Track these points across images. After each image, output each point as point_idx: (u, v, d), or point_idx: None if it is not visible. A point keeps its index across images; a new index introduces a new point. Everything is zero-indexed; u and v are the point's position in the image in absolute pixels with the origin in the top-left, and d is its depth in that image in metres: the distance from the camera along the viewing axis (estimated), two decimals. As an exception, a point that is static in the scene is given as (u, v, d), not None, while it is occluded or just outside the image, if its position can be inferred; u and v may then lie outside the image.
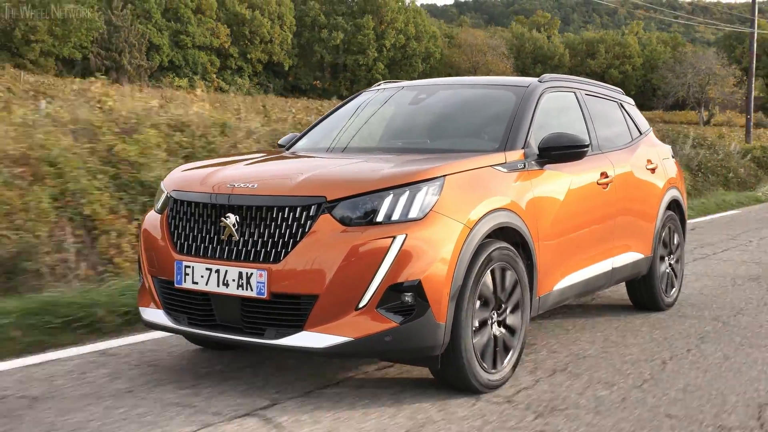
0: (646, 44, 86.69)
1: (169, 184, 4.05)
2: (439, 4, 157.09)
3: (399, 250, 3.38)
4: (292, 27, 70.36)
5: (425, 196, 3.52)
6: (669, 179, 5.97)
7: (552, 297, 4.39)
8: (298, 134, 5.26)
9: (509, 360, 3.91)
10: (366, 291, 3.37)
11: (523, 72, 75.33)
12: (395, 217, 3.46)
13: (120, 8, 53.47)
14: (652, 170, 5.73)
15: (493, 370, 3.78)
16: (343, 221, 3.45)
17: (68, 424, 3.27)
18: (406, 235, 3.41)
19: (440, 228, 3.50)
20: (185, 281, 3.69)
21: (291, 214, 3.49)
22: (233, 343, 3.77)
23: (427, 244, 3.44)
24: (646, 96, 76.65)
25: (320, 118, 5.37)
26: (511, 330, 3.93)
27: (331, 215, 3.46)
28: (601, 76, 75.83)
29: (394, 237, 3.39)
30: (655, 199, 5.69)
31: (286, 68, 70.67)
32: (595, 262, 4.83)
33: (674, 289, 6.03)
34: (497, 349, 3.82)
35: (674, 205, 6.04)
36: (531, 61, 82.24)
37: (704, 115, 66.50)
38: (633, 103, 6.21)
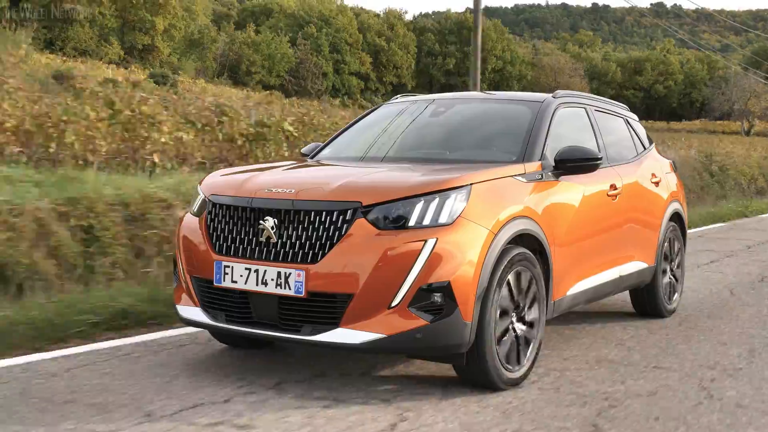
0: (684, 62, 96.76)
1: (207, 188, 4.27)
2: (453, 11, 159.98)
3: (430, 253, 3.61)
4: (414, 54, 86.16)
5: (454, 203, 3.76)
6: (671, 192, 6.24)
7: (565, 302, 4.62)
8: (321, 144, 5.48)
9: (528, 358, 4.14)
10: (398, 291, 3.59)
11: (579, 87, 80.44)
12: (426, 222, 3.69)
13: (302, 45, 71.30)
14: (657, 183, 6.00)
15: (514, 368, 4.01)
16: (377, 225, 3.68)
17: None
18: (437, 239, 3.64)
19: (467, 233, 3.74)
20: (224, 280, 3.90)
21: (328, 218, 3.72)
22: (269, 339, 3.99)
23: (456, 247, 3.68)
24: (685, 108, 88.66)
25: (342, 128, 5.61)
26: (529, 330, 4.16)
27: (366, 219, 3.69)
28: (647, 90, 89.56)
29: (426, 241, 3.63)
30: (659, 210, 5.95)
31: (409, 88, 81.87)
32: (604, 269, 5.07)
33: (675, 297, 6.29)
34: (519, 347, 4.05)
35: (676, 217, 6.31)
36: (588, 79, 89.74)
37: (746, 125, 76.31)
38: (637, 119, 6.49)
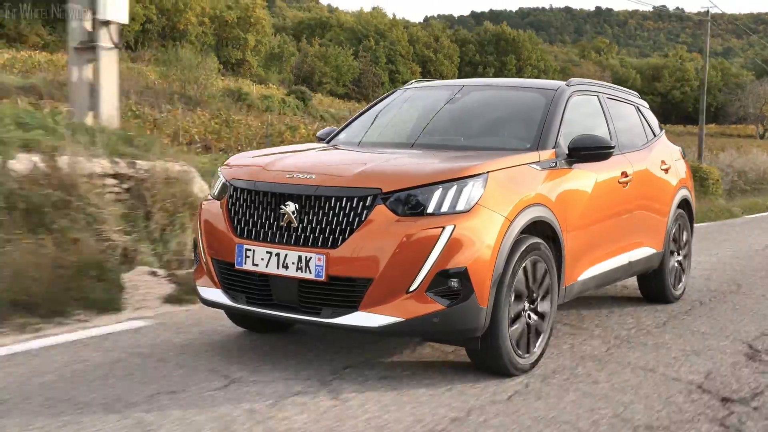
0: (699, 69, 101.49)
1: (228, 172, 4.35)
2: (455, 15, 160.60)
3: (448, 240, 3.69)
4: (457, 64, 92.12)
5: (471, 191, 3.84)
6: (680, 179, 6.32)
7: (576, 287, 4.72)
8: (336, 128, 5.55)
9: (539, 345, 4.24)
10: (417, 276, 3.68)
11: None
12: (444, 209, 3.78)
13: (363, 57, 77.71)
14: (666, 170, 6.07)
15: (525, 355, 4.11)
16: (396, 211, 3.76)
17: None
18: (455, 225, 3.72)
19: (484, 220, 3.82)
20: (245, 263, 3.99)
21: (348, 203, 3.80)
22: (289, 321, 4.09)
23: (473, 234, 3.76)
24: (700, 112, 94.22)
25: (357, 114, 5.67)
26: (541, 317, 4.26)
27: (386, 206, 3.77)
28: (665, 96, 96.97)
29: (444, 227, 3.71)
30: (668, 197, 6.03)
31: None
32: (614, 255, 5.16)
33: (681, 283, 6.39)
34: (530, 335, 4.15)
35: (684, 204, 6.39)
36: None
37: (760, 129, 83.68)
38: (647, 106, 6.55)
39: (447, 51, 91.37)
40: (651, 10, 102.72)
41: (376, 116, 5.45)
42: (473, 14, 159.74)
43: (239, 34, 70.28)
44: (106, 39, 8.19)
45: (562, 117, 4.82)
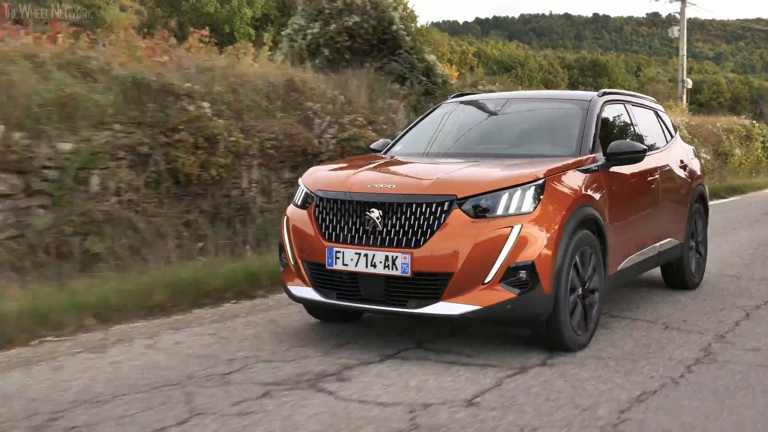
0: (729, 83, 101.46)
1: (312, 183, 4.92)
2: (460, 21, 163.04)
3: (516, 237, 4.29)
4: (566, 86, 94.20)
5: (533, 194, 4.43)
6: (696, 176, 6.96)
7: (617, 275, 5.32)
8: (390, 141, 6.12)
9: (590, 324, 4.84)
10: (491, 269, 4.28)
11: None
12: (512, 211, 4.37)
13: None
14: (684, 168, 6.70)
15: (581, 332, 4.71)
16: (470, 214, 4.35)
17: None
18: (522, 225, 4.32)
19: (545, 219, 4.42)
20: (336, 263, 4.56)
21: (428, 209, 4.38)
22: (376, 313, 4.67)
23: (537, 232, 4.36)
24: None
25: (408, 127, 6.25)
26: (591, 301, 4.85)
27: (461, 209, 4.36)
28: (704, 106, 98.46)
29: (512, 227, 4.31)
30: (687, 193, 6.66)
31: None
32: (646, 246, 5.78)
33: (700, 271, 7.00)
34: (584, 316, 4.75)
35: (700, 199, 7.02)
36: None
37: None
38: (663, 110, 7.17)
39: (561, 75, 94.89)
40: (644, 16, 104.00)
41: (426, 128, 6.02)
42: (478, 20, 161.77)
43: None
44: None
45: (598, 124, 5.42)
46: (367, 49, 11.27)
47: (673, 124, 7.14)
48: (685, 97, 32.22)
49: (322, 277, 4.70)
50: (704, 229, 7.16)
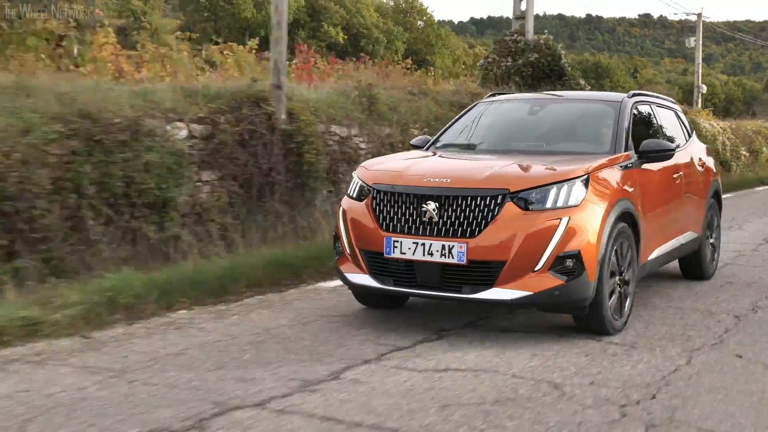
0: (723, 85, 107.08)
1: (368, 177, 5.25)
2: (455, 21, 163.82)
3: (564, 228, 4.66)
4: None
5: (579, 189, 4.80)
6: (712, 173, 7.37)
7: (647, 266, 5.71)
8: (430, 137, 6.46)
9: (625, 311, 5.22)
10: (541, 258, 4.64)
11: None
12: (560, 204, 4.74)
13: None
14: (702, 165, 7.10)
15: (618, 317, 5.09)
16: (521, 207, 4.71)
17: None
18: (569, 217, 4.69)
19: (590, 212, 4.79)
20: (394, 252, 4.91)
21: (482, 201, 4.74)
22: (432, 298, 5.03)
23: (583, 223, 4.73)
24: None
25: (448, 125, 6.58)
26: (626, 288, 5.23)
27: (513, 202, 4.72)
28: None
29: (561, 219, 4.67)
30: (704, 188, 7.06)
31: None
32: (671, 238, 6.17)
33: (714, 262, 7.41)
34: (621, 302, 5.13)
35: (715, 194, 7.42)
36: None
37: None
38: (681, 111, 7.56)
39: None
40: (636, 17, 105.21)
41: (466, 125, 6.37)
42: (473, 20, 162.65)
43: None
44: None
45: (630, 124, 5.79)
46: (542, 77, 14.82)
47: (690, 124, 7.54)
48: (700, 101, 33.75)
49: (379, 264, 5.04)
50: (718, 222, 7.57)
